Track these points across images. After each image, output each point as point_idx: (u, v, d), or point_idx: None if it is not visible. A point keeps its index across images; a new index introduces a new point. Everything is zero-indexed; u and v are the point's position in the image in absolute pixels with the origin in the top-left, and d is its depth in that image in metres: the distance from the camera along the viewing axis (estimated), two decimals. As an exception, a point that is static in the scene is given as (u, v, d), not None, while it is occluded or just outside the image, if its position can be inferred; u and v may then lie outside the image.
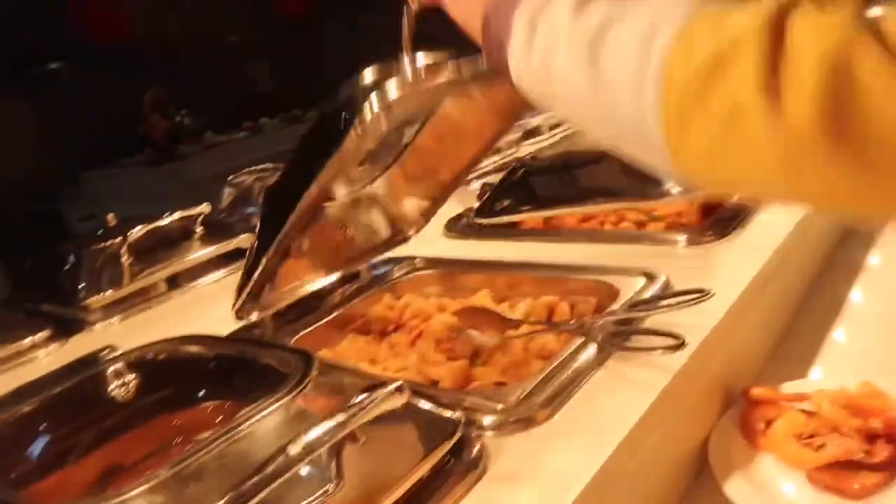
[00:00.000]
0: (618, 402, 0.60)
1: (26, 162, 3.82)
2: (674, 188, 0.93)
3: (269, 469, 0.37)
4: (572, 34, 0.45)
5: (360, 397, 0.43)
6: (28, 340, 1.07)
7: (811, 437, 0.67)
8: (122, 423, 0.65)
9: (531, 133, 1.92)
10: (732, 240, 0.93)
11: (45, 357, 1.07)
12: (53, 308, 1.20)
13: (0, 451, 0.62)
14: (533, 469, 0.54)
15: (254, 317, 0.83)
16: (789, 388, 0.76)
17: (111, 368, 0.64)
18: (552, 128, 1.95)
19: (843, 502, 0.61)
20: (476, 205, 1.18)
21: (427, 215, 0.99)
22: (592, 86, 0.44)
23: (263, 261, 0.76)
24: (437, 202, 0.98)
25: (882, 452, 0.61)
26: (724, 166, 0.40)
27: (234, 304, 0.80)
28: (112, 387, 0.65)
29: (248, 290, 0.78)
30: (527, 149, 1.80)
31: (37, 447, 0.64)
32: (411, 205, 0.99)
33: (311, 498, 0.45)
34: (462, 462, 0.54)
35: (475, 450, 0.55)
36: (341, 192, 0.83)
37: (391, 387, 0.44)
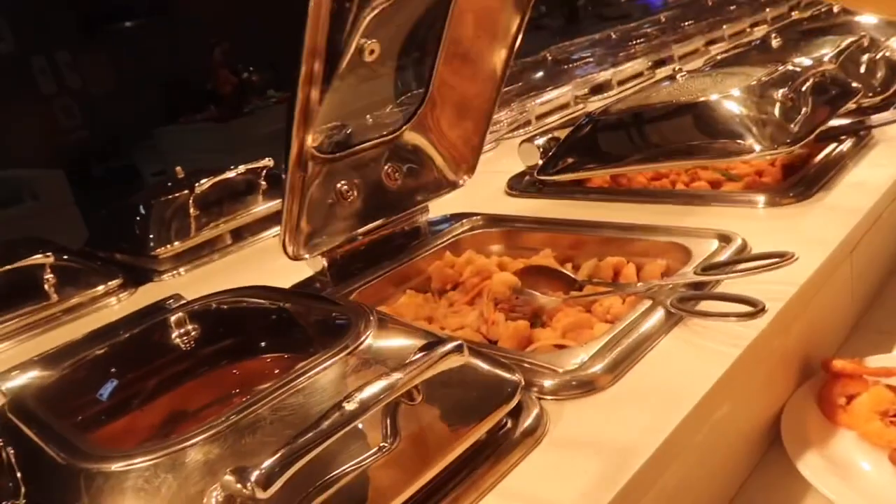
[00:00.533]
0: (686, 370, 0.57)
1: (104, 118, 3.96)
2: (755, 144, 0.86)
3: (325, 425, 0.36)
4: None
5: (419, 355, 0.42)
6: (101, 288, 1.11)
7: (896, 415, 0.62)
8: (186, 370, 0.67)
9: (599, 88, 1.85)
10: (817, 202, 0.87)
11: (118, 304, 1.10)
12: (125, 257, 1.25)
13: (71, 393, 0.64)
14: (593, 437, 0.52)
15: (305, 255, 0.83)
16: (874, 361, 0.71)
17: (177, 317, 0.65)
18: (621, 83, 1.87)
19: None
20: (540, 162, 1.14)
21: (473, 148, 0.96)
22: None
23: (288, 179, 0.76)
24: (478, 129, 0.95)
25: None
26: None
27: (282, 240, 0.80)
28: (177, 335, 0.66)
29: (286, 222, 0.78)
30: (594, 104, 1.74)
31: (105, 391, 0.66)
32: (455, 137, 0.97)
33: (366, 455, 0.44)
34: (520, 426, 0.53)
35: (534, 414, 0.53)
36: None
37: (451, 345, 0.42)
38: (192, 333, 0.65)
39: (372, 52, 0.81)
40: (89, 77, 3.92)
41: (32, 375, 0.68)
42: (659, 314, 0.65)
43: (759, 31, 2.20)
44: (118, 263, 1.22)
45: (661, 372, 0.58)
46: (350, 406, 0.37)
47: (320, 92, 0.75)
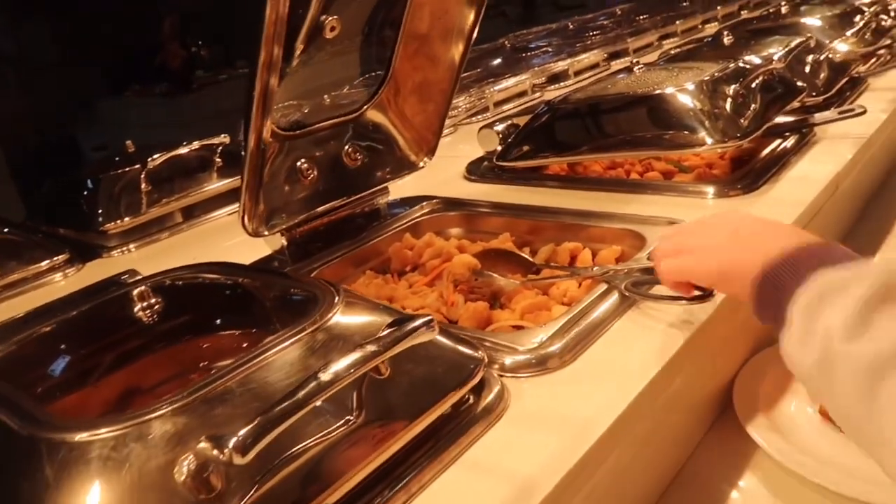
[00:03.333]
0: (640, 349, 0.60)
1: (42, 87, 3.79)
2: (707, 137, 0.90)
3: (301, 394, 0.37)
4: (850, 354, 0.40)
5: (389, 330, 0.43)
6: (46, 262, 1.08)
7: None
8: (143, 346, 0.66)
9: (556, 77, 1.88)
10: (762, 194, 0.91)
11: (63, 280, 1.07)
12: (70, 232, 1.21)
13: (23, 367, 0.62)
14: (552, 412, 0.54)
15: (264, 232, 0.82)
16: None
17: (134, 291, 0.64)
18: (578, 73, 1.90)
19: (842, 437, 0.61)
20: (499, 148, 1.16)
21: (433, 130, 0.97)
22: (867, 414, 0.39)
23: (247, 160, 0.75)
24: (438, 112, 0.96)
25: None
26: None
27: (241, 216, 0.79)
28: (134, 310, 0.65)
29: (246, 199, 0.77)
30: (552, 93, 1.77)
31: (58, 366, 0.65)
32: (416, 118, 0.97)
33: (332, 428, 0.45)
34: (482, 401, 0.54)
35: (495, 390, 0.55)
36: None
37: (422, 320, 0.43)
38: (152, 309, 0.64)
39: (333, 28, 0.81)
40: (26, 44, 3.75)
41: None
42: (613, 297, 0.67)
43: (711, 28, 2.27)
44: (62, 238, 1.18)
45: (616, 351, 0.61)
46: (325, 376, 0.38)
47: (280, 70, 0.74)
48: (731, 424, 0.66)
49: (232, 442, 0.34)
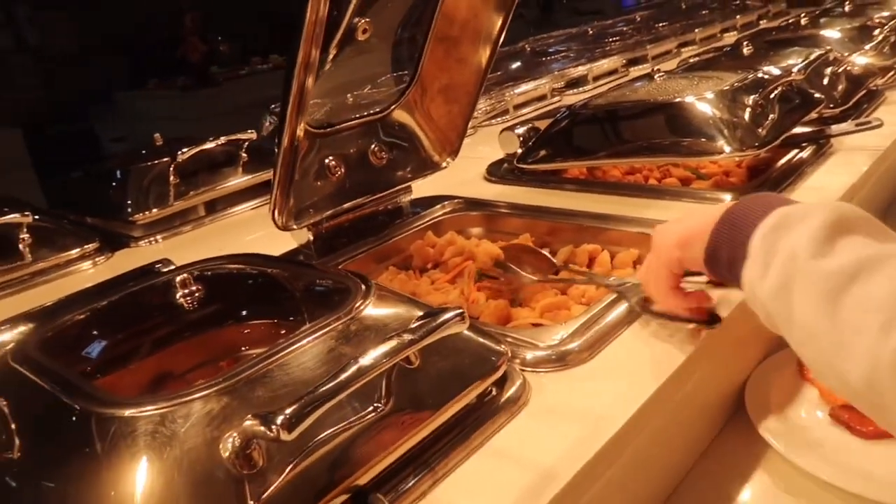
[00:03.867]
0: (656, 350, 0.62)
1: (63, 78, 3.84)
2: (725, 145, 0.92)
3: (343, 377, 0.39)
4: (816, 269, 0.43)
5: (423, 321, 0.45)
6: (77, 251, 1.11)
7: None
8: (177, 333, 0.68)
9: (575, 82, 1.90)
10: (778, 203, 0.92)
11: (93, 269, 1.10)
12: (98, 221, 1.24)
13: (64, 349, 0.65)
14: (572, 406, 0.56)
15: (293, 226, 0.85)
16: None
17: (173, 279, 0.67)
18: (596, 78, 1.92)
19: (852, 439, 0.65)
20: (519, 150, 1.18)
21: (458, 131, 0.99)
22: (830, 325, 0.42)
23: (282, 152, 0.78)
24: (463, 114, 0.99)
25: None
26: None
27: (271, 210, 0.82)
28: (170, 298, 0.68)
29: (277, 193, 0.80)
30: (571, 98, 1.79)
31: (94, 349, 0.68)
32: (441, 119, 1.00)
33: (361, 414, 0.48)
34: (505, 393, 0.57)
35: (518, 383, 0.57)
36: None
37: (453, 313, 0.46)
38: (187, 297, 0.67)
39: (365, 31, 0.83)
40: (50, 34, 3.79)
41: (22, 330, 0.68)
42: (624, 307, 0.69)
43: (729, 38, 2.29)
44: (90, 227, 1.22)
45: (633, 350, 0.63)
46: (365, 361, 0.40)
47: (315, 74, 0.77)
48: (744, 425, 0.68)
49: (280, 419, 0.36)
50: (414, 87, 0.97)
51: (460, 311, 0.46)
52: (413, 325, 0.46)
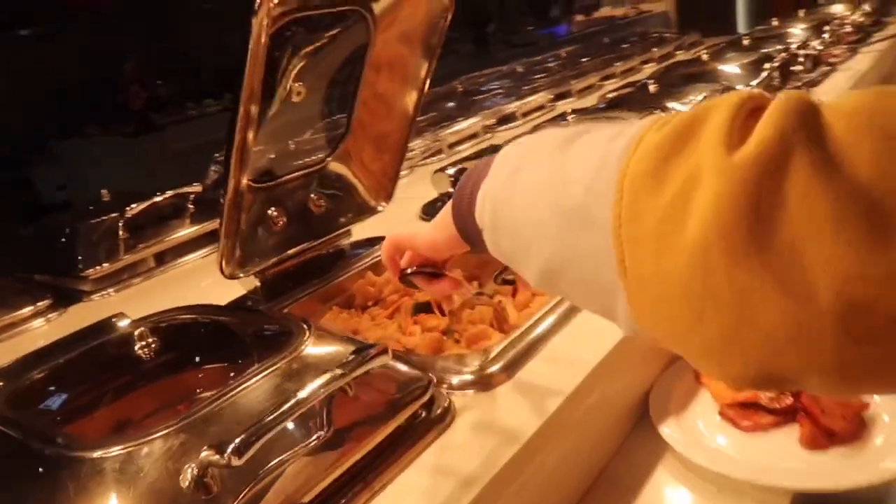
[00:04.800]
0: (565, 366, 0.71)
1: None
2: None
3: (285, 407, 0.47)
4: (544, 145, 0.41)
5: (352, 357, 0.53)
6: (30, 309, 1.15)
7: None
8: (135, 382, 0.75)
9: (506, 119, 2.01)
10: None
11: (46, 326, 1.14)
12: (47, 278, 1.28)
13: (23, 404, 0.70)
14: (491, 422, 0.65)
15: (240, 274, 0.91)
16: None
17: (125, 334, 0.73)
18: (525, 114, 2.04)
19: (736, 433, 0.75)
20: (451, 190, 1.28)
21: (390, 177, 1.08)
22: (549, 174, 0.39)
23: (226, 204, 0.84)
24: (394, 161, 1.08)
25: (784, 401, 0.74)
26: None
27: (219, 262, 0.88)
28: (127, 350, 0.74)
29: (224, 245, 0.86)
30: (501, 134, 1.90)
31: (55, 402, 0.73)
32: (374, 167, 1.09)
33: (305, 442, 0.55)
34: (433, 414, 0.65)
35: (443, 405, 0.66)
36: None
37: (379, 348, 0.54)
38: (146, 348, 0.73)
39: (299, 93, 0.93)
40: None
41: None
42: (551, 318, 0.79)
43: (648, 68, 2.45)
44: (38, 284, 1.25)
45: (546, 368, 0.72)
46: (303, 394, 0.48)
47: (255, 130, 0.85)
48: (649, 429, 0.78)
49: (230, 447, 0.44)
50: (347, 138, 1.05)
51: (384, 347, 0.54)
52: (345, 361, 0.53)
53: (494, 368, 0.71)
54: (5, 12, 3.78)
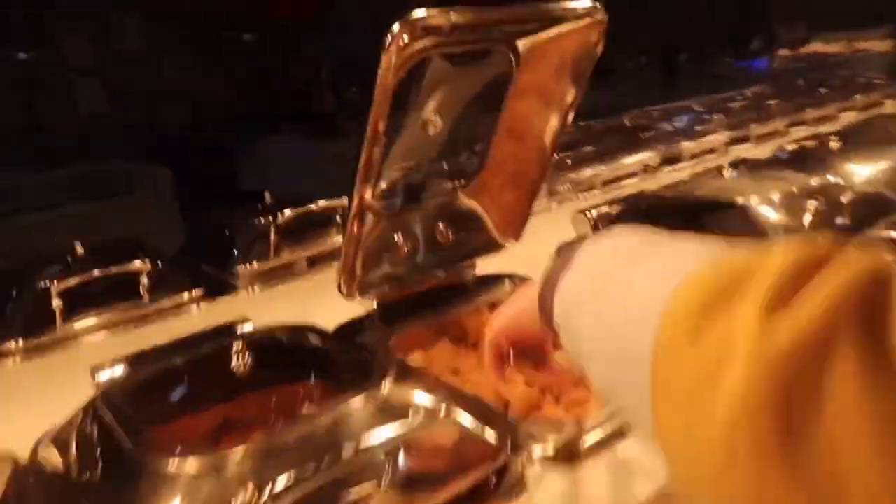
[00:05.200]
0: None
1: (209, 123, 4.22)
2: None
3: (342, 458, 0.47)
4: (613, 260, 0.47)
5: (412, 416, 0.52)
6: (186, 295, 1.27)
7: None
8: (239, 388, 0.79)
9: (672, 159, 1.90)
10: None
11: (197, 312, 1.26)
12: (209, 269, 1.41)
13: (147, 393, 0.77)
14: (566, 501, 0.60)
15: (357, 297, 0.94)
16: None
17: (240, 342, 0.78)
18: (694, 156, 1.92)
19: None
20: (589, 233, 1.22)
21: (522, 215, 1.05)
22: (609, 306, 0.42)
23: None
24: (528, 198, 1.05)
25: None
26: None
27: (338, 282, 0.91)
28: (237, 355, 0.79)
29: (343, 266, 0.89)
30: (665, 175, 1.80)
31: (175, 394, 0.80)
32: (506, 204, 1.07)
33: (367, 485, 0.55)
34: (504, 485, 0.61)
35: (517, 475, 0.62)
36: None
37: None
38: (249, 357, 0.78)
39: (435, 126, 0.93)
40: (193, 83, 4.19)
41: (120, 372, 0.82)
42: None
43: (846, 117, 2.20)
44: (203, 274, 1.38)
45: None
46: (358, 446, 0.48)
47: (382, 154, 0.86)
48: None
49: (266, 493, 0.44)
50: (481, 174, 1.04)
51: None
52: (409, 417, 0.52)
53: (585, 440, 0.66)
54: (221, 19, 4.23)
